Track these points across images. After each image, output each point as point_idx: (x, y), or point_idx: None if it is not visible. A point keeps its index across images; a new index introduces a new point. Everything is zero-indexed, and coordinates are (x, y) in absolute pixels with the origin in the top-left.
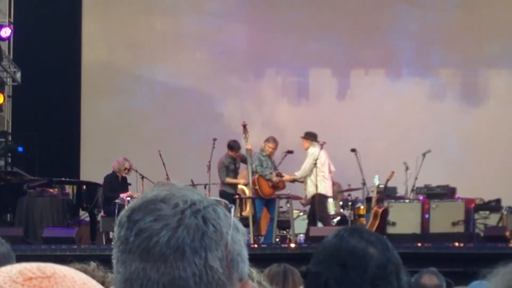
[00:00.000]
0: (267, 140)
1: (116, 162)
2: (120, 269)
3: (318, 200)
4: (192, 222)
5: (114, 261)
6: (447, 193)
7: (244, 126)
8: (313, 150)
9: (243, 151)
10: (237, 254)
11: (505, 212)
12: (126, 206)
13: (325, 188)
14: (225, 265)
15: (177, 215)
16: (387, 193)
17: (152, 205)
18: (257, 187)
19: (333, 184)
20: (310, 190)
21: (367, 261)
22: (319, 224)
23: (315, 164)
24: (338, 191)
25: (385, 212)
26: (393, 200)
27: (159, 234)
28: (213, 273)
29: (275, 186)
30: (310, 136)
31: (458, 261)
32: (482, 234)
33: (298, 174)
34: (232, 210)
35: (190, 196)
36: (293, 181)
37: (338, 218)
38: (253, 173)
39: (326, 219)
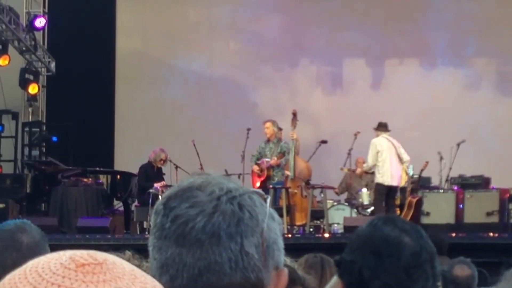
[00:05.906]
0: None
1: (152, 152)
2: (156, 256)
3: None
4: (228, 208)
5: (150, 249)
6: (481, 183)
7: (294, 115)
8: (373, 139)
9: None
10: (272, 242)
11: None
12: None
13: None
14: (260, 251)
15: (213, 202)
16: (421, 183)
17: (188, 193)
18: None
19: (366, 174)
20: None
21: (401, 249)
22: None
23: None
24: (372, 181)
25: (419, 202)
26: (427, 190)
27: (195, 220)
28: (249, 259)
29: (260, 175)
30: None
31: (492, 251)
32: None
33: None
34: (268, 200)
35: (226, 184)
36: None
37: (372, 208)
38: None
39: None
